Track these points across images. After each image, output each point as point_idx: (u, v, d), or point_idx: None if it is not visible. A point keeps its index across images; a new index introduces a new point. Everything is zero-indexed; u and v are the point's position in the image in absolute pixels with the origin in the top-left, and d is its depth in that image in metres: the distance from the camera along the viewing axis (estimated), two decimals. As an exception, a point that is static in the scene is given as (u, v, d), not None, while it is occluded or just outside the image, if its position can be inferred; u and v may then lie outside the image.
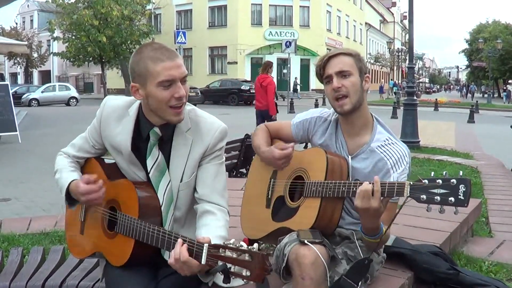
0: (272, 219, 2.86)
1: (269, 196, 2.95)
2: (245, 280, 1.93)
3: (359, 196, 2.33)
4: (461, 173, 2.18)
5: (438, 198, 2.11)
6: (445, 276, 3.02)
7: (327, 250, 2.43)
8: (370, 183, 2.33)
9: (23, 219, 5.41)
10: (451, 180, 2.09)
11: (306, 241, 2.39)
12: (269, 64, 12.01)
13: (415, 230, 3.87)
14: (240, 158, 7.61)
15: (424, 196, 2.14)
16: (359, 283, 2.46)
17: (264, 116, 11.72)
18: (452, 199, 2.08)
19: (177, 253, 2.10)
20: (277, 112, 11.88)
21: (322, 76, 2.69)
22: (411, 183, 2.21)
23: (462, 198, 2.07)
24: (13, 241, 4.27)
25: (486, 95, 52.79)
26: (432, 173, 2.23)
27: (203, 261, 2.03)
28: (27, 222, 4.92)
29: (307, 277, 2.33)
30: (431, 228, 3.89)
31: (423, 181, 2.16)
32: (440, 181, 2.12)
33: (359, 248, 2.63)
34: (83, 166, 2.74)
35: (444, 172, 2.15)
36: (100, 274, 2.81)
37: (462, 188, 2.07)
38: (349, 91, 2.58)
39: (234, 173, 7.67)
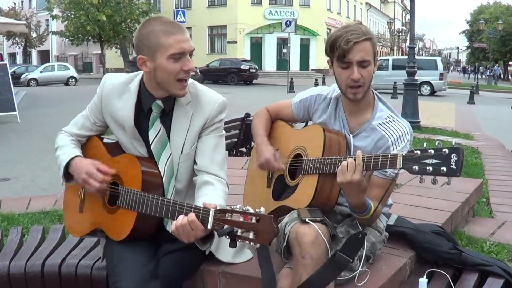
0: (272, 198, 2.85)
1: (270, 176, 2.94)
2: (252, 243, 1.93)
3: (340, 171, 2.32)
4: (453, 142, 2.14)
5: (431, 168, 2.08)
6: (447, 256, 3.00)
7: (328, 229, 2.41)
8: (353, 158, 2.31)
9: (23, 198, 5.41)
10: (443, 150, 2.06)
11: (307, 220, 2.37)
12: None
13: (416, 209, 3.86)
14: (240, 137, 7.59)
15: (416, 167, 2.11)
16: (355, 257, 2.45)
17: None
18: (444, 168, 2.05)
19: (184, 217, 2.13)
20: None
21: (338, 57, 2.51)
22: (404, 154, 2.18)
23: (454, 167, 2.04)
24: (12, 220, 4.26)
25: (485, 76, 52.43)
26: (425, 144, 2.20)
27: (210, 226, 2.05)
28: (26, 201, 4.91)
29: (307, 255, 2.30)
30: (433, 208, 3.87)
31: (416, 152, 2.13)
32: (432, 151, 2.09)
33: (360, 226, 2.61)
34: (85, 144, 2.74)
35: (437, 143, 2.12)
36: (100, 253, 2.82)
37: (454, 157, 2.04)
38: (365, 81, 2.53)
39: (234, 152, 7.66)
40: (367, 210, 2.45)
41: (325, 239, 2.34)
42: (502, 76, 62.90)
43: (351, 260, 2.38)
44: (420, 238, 3.04)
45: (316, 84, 29.27)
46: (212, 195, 2.40)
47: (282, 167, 2.80)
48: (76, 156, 2.54)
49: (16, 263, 3.02)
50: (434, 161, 2.08)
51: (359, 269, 2.51)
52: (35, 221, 4.28)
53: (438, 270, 2.95)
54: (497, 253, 3.69)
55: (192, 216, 2.11)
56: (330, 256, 2.37)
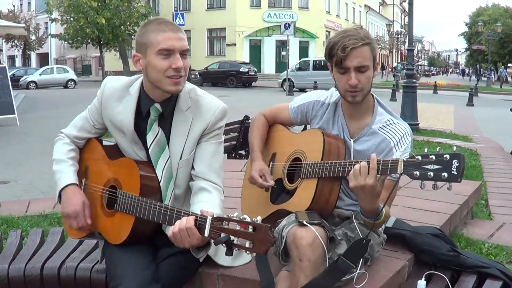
0: (270, 202, 2.85)
1: (268, 179, 2.92)
2: (248, 252, 1.93)
3: (353, 175, 2.29)
4: (454, 148, 2.14)
5: (431, 174, 2.07)
6: (445, 258, 3.00)
7: (326, 231, 2.40)
8: (367, 161, 2.29)
9: (22, 201, 5.41)
10: (444, 156, 2.06)
11: (304, 222, 2.37)
12: None
13: (415, 212, 3.86)
14: (239, 139, 7.59)
15: (417, 172, 2.11)
16: (358, 263, 2.45)
17: None
18: (445, 174, 2.04)
19: (183, 221, 2.13)
20: None
21: (336, 63, 2.51)
22: (405, 159, 2.17)
23: (455, 173, 2.03)
24: (12, 223, 4.26)
25: (484, 78, 52.47)
26: (426, 149, 2.20)
27: (206, 234, 2.04)
28: (25, 204, 4.91)
29: (305, 258, 2.31)
30: (431, 210, 3.88)
31: (417, 157, 2.13)
32: (433, 156, 2.08)
33: (358, 229, 2.61)
34: (84, 146, 2.75)
35: (438, 148, 2.12)
36: (99, 256, 2.82)
37: (455, 163, 2.03)
38: (364, 86, 2.52)
39: (233, 155, 7.67)
40: (379, 216, 2.43)
41: (322, 242, 2.34)
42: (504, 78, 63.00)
43: (354, 266, 2.38)
44: (418, 240, 3.04)
45: (315, 87, 29.31)
46: (208, 202, 2.40)
47: (265, 185, 2.80)
48: (71, 184, 2.56)
49: (16, 266, 3.02)
50: (435, 166, 2.07)
51: (357, 272, 2.51)
52: (34, 224, 4.28)
53: (437, 273, 2.95)
54: (495, 255, 3.70)
55: (190, 222, 2.11)
56: (328, 259, 2.38)
